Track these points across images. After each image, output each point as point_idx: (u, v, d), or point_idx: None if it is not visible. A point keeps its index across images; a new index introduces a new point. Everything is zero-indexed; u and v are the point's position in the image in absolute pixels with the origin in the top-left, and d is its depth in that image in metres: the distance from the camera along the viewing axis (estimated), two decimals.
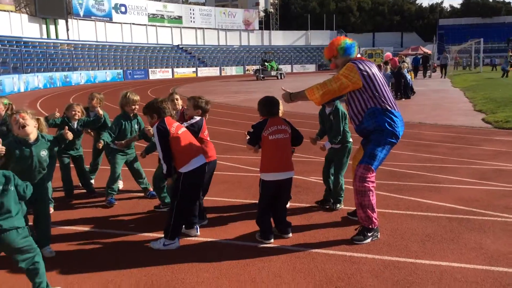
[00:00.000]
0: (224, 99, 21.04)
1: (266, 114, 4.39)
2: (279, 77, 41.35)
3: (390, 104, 4.22)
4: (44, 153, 4.03)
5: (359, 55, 4.60)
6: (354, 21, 78.85)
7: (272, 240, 4.31)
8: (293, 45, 71.79)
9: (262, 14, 75.73)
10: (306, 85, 4.57)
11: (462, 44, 49.33)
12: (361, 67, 4.20)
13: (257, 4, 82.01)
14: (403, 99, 18.89)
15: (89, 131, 6.31)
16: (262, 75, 40.44)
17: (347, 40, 4.44)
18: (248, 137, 4.37)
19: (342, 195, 5.22)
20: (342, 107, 4.97)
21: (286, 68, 56.76)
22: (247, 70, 59.45)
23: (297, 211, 5.18)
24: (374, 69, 4.27)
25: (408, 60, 32.33)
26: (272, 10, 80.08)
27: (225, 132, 11.10)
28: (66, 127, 4.35)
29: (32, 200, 3.77)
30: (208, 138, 4.89)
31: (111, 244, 4.42)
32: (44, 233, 4.15)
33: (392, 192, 5.83)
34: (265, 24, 72.16)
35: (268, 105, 4.41)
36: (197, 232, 4.55)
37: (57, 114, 5.65)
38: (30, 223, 4.01)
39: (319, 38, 72.04)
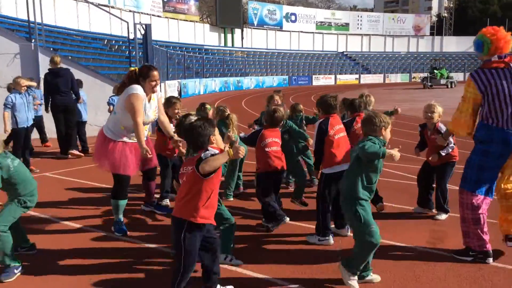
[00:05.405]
0: (387, 107, 20.74)
1: None
2: (449, 86, 38.86)
3: None
4: None
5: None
6: None
7: None
8: (468, 52, 66.30)
9: (434, 19, 71.66)
10: None
11: None
12: None
13: (429, 8, 78.16)
14: None
15: None
16: (430, 83, 38.47)
17: None
18: None
19: None
20: None
21: (458, 76, 52.93)
22: (413, 77, 56.98)
23: None
24: None
25: None
26: (446, 14, 75.32)
27: (391, 140, 11.11)
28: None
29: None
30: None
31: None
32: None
33: None
34: (437, 29, 68.09)
35: None
36: (347, 232, 4.84)
37: None
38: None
39: None
